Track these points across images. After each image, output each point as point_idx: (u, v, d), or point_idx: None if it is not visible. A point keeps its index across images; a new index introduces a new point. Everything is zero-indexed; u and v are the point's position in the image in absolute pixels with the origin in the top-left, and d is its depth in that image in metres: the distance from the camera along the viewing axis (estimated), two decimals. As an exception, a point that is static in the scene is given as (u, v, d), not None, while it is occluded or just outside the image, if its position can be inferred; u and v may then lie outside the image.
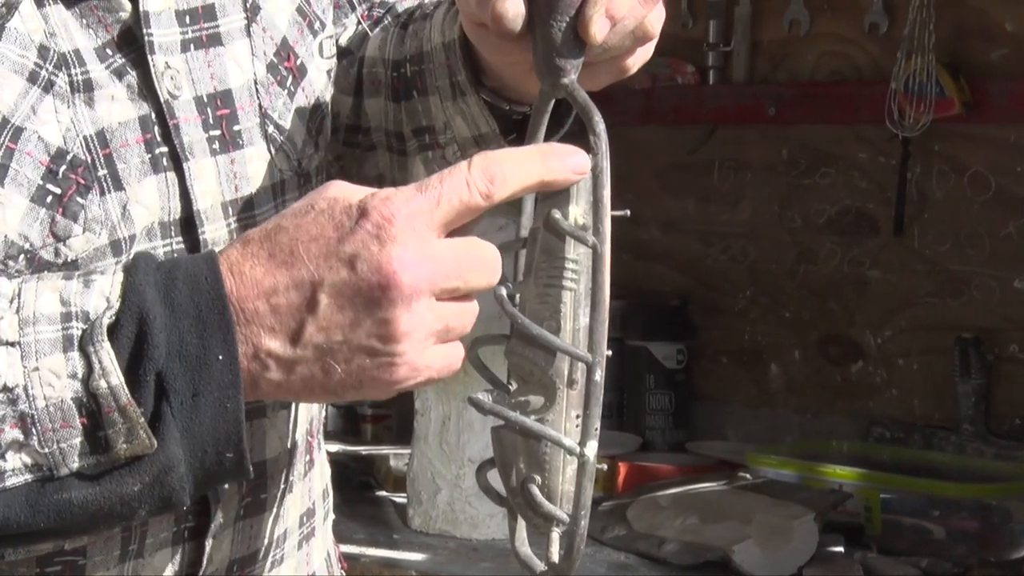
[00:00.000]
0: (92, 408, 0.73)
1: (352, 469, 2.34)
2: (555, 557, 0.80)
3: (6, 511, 0.73)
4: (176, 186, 0.87)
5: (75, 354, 0.73)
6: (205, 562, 0.91)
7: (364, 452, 2.43)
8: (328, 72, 1.02)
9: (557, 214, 0.79)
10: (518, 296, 0.81)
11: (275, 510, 0.97)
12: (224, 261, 0.76)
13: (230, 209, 0.90)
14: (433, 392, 2.06)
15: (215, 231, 0.89)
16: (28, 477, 0.73)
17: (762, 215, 2.51)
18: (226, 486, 0.91)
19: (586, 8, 0.80)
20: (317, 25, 1.00)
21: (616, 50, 0.85)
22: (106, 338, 0.73)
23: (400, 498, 2.18)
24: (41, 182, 0.80)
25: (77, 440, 0.73)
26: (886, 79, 2.27)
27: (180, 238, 0.88)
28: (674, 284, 2.59)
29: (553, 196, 0.80)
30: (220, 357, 0.74)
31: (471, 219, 0.77)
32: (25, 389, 0.73)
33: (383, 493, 2.29)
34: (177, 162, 0.87)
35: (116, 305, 0.74)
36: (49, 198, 0.81)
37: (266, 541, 0.96)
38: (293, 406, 0.98)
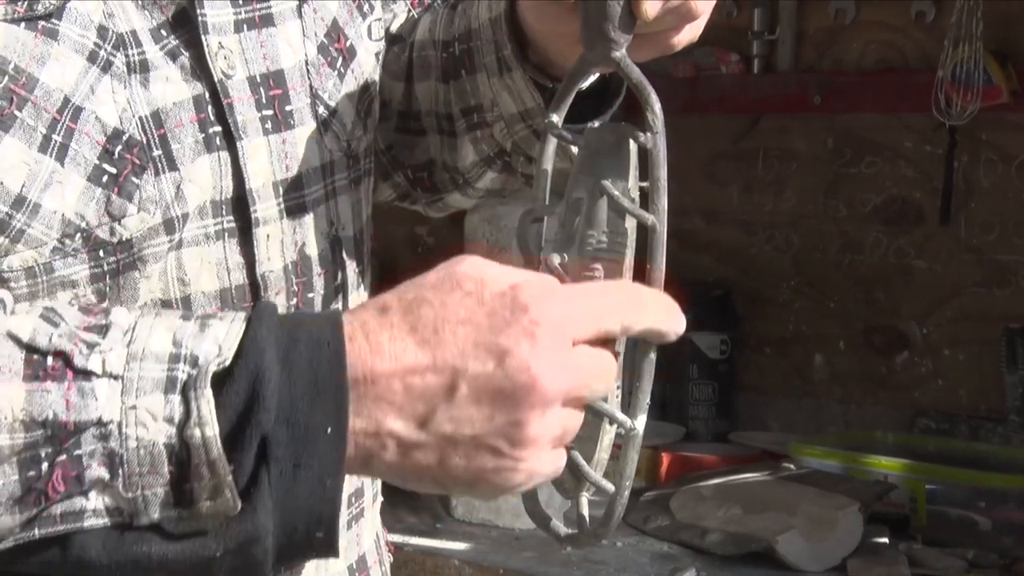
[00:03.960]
0: (182, 457, 0.70)
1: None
2: (586, 521, 0.81)
3: (81, 552, 0.71)
4: (229, 165, 0.88)
5: (176, 397, 0.70)
6: None
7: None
8: (376, 55, 1.03)
9: (613, 188, 0.79)
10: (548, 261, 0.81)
11: None
12: (358, 326, 0.72)
13: (280, 188, 0.90)
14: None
15: (266, 210, 0.89)
16: (106, 520, 0.71)
17: (807, 204, 2.50)
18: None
19: None
20: (366, 7, 1.01)
21: (659, 25, 0.85)
22: (208, 386, 0.70)
23: (443, 486, 2.18)
24: (97, 162, 0.81)
25: (161, 489, 0.70)
26: (933, 67, 2.25)
27: (231, 216, 0.88)
28: (718, 274, 2.58)
29: (598, 168, 0.80)
30: (329, 430, 0.70)
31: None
32: (119, 426, 0.70)
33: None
34: (230, 141, 0.87)
35: (228, 355, 0.71)
36: (105, 178, 0.81)
37: None
38: None
